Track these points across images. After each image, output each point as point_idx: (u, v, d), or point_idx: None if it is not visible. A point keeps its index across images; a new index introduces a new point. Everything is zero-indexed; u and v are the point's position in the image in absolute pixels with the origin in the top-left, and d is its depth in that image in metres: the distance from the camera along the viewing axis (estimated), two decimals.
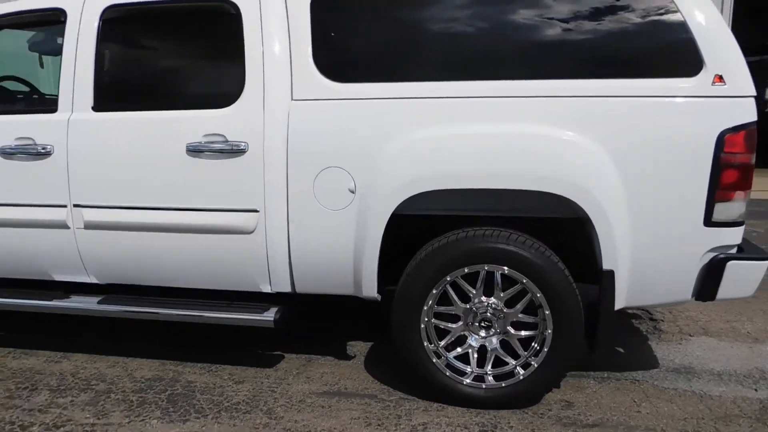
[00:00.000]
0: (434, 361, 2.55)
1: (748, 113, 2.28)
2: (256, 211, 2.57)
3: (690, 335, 3.34)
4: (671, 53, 2.32)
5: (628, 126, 2.30)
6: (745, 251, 2.45)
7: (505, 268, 2.41)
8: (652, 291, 2.44)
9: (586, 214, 2.33)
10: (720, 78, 2.26)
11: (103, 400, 2.64)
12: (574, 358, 2.48)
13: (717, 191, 2.28)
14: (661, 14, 2.32)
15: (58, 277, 2.89)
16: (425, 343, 2.54)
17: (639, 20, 2.35)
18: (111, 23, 2.72)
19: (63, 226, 2.73)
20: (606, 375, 2.85)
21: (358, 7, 2.54)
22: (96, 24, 2.71)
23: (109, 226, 2.69)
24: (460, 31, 2.47)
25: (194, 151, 2.56)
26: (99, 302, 2.83)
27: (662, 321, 3.56)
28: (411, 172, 2.41)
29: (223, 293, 2.84)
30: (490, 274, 2.46)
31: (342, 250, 2.55)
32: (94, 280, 2.87)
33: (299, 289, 2.70)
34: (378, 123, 2.45)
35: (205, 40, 2.69)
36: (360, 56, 2.55)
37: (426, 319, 2.52)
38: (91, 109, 2.69)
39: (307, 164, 2.51)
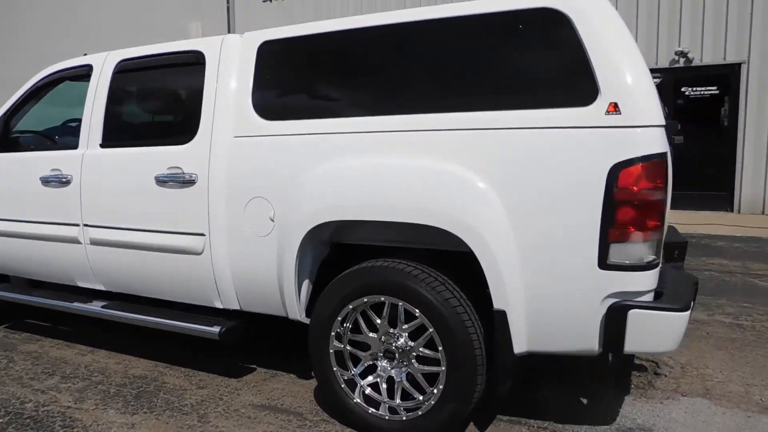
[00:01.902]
0: (342, 386, 2.61)
1: (648, 145, 2.04)
2: (203, 234, 2.90)
3: (684, 395, 2.90)
4: (566, 81, 2.17)
5: (514, 160, 2.19)
6: (665, 299, 2.15)
7: (400, 301, 2.42)
8: (553, 337, 2.25)
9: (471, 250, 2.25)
10: (615, 106, 2.06)
11: (90, 390, 3.14)
12: (471, 399, 2.36)
13: (611, 230, 2.06)
14: (557, 39, 2.18)
15: (80, 284, 3.51)
16: (334, 368, 2.62)
17: (533, 47, 2.24)
18: (120, 75, 3.30)
19: (77, 241, 3.33)
20: (543, 425, 2.64)
21: (285, 53, 2.78)
22: (110, 75, 3.31)
23: (104, 243, 3.22)
24: (362, 69, 2.57)
25: (161, 181, 2.98)
26: (102, 306, 3.38)
27: (665, 376, 3.13)
28: (316, 204, 2.55)
29: (202, 308, 3.20)
30: (396, 306, 2.48)
31: (268, 274, 2.76)
32: (102, 288, 3.43)
33: (244, 307, 2.96)
34: (293, 157, 2.64)
35: (178, 86, 3.13)
36: (284, 95, 2.78)
37: (335, 345, 2.61)
38: (98, 146, 3.27)
39: (240, 194, 2.77)
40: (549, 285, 2.18)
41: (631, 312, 2.08)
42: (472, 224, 2.21)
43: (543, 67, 2.22)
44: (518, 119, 2.18)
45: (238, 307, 2.98)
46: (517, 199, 2.18)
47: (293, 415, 2.79)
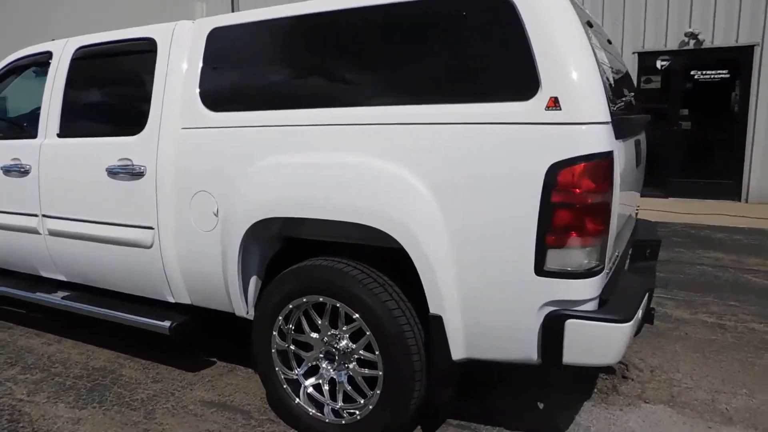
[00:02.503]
0: (284, 386, 2.55)
1: (591, 144, 1.90)
2: (152, 228, 2.83)
3: (646, 402, 2.78)
4: (506, 74, 2.03)
5: (449, 157, 2.06)
6: (607, 308, 2.02)
7: (337, 302, 2.33)
8: (491, 345, 2.14)
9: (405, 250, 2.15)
10: (554, 101, 1.92)
11: (47, 382, 3.12)
12: (408, 404, 2.27)
13: (548, 235, 1.94)
14: (501, 29, 2.04)
15: (43, 274, 3.49)
16: (276, 368, 2.55)
17: (475, 38, 2.10)
18: (78, 62, 3.22)
19: (36, 232, 3.30)
20: (493, 431, 2.55)
21: (232, 41, 2.67)
22: (68, 62, 3.24)
23: (62, 234, 3.18)
24: (302, 58, 2.46)
25: (112, 172, 2.91)
26: (62, 297, 3.35)
27: (632, 380, 3.01)
28: (255, 200, 2.46)
29: (159, 302, 3.15)
30: (336, 307, 2.39)
31: (214, 270, 2.68)
32: (63, 278, 3.40)
33: (195, 302, 2.90)
34: (235, 150, 2.55)
35: (131, 75, 3.04)
36: (229, 86, 2.67)
37: (278, 344, 2.53)
38: (56, 136, 3.21)
39: (186, 187, 2.70)
40: (485, 291, 2.07)
41: (569, 322, 1.96)
42: (403, 223, 2.10)
43: (484, 59, 2.08)
44: (454, 114, 2.05)
45: (189, 302, 2.92)
46: (451, 198, 2.06)
47: (240, 414, 2.74)
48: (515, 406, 2.77)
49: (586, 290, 1.97)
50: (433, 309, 2.15)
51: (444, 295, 2.12)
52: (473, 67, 2.10)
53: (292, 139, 2.39)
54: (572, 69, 1.92)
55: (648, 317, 2.69)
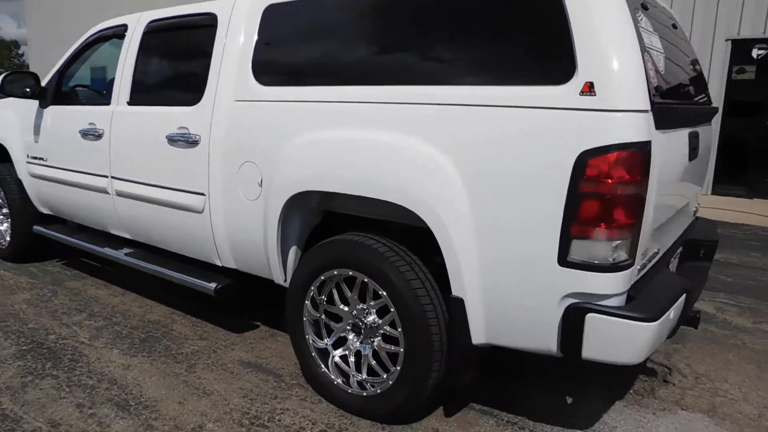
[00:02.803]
0: (313, 354, 2.64)
1: (625, 132, 1.81)
2: (203, 194, 2.99)
3: (684, 408, 2.65)
4: (543, 57, 1.97)
5: (479, 139, 2.04)
6: (633, 305, 1.94)
7: (366, 277, 2.38)
8: (511, 332, 2.12)
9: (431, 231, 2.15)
10: (590, 86, 1.84)
11: (107, 329, 3.40)
12: (426, 383, 2.30)
13: (573, 225, 1.88)
14: (541, 9, 1.97)
15: (111, 231, 3.78)
16: (306, 336, 2.65)
17: (514, 19, 2.04)
18: (148, 35, 3.43)
19: (106, 192, 3.57)
20: (514, 420, 2.53)
21: (284, 18, 2.74)
22: (140, 35, 3.45)
23: (126, 195, 3.42)
24: (345, 37, 2.49)
25: (171, 140, 3.09)
26: (125, 254, 3.62)
27: (673, 385, 2.87)
28: (293, 173, 2.54)
29: (211, 265, 3.33)
30: (365, 282, 2.44)
31: (256, 238, 2.81)
32: (128, 236, 3.67)
33: (239, 267, 3.04)
34: (279, 124, 2.63)
35: (193, 48, 3.18)
36: (279, 61, 2.75)
37: (309, 313, 2.63)
38: (126, 103, 3.44)
39: (235, 157, 2.82)
40: (506, 276, 2.05)
41: (589, 316, 1.91)
42: (429, 203, 2.11)
43: (522, 41, 2.03)
44: (487, 96, 2.02)
45: (234, 267, 3.07)
46: (479, 181, 2.04)
47: (273, 376, 2.87)
48: (543, 397, 2.73)
49: (610, 285, 1.90)
50: (456, 291, 2.16)
51: (466, 278, 2.11)
52: (511, 48, 2.05)
53: (329, 115, 2.44)
54: (610, 53, 1.84)
55: (691, 320, 2.57)
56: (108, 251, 3.71)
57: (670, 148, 2.11)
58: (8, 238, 4.57)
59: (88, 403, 2.60)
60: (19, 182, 4.31)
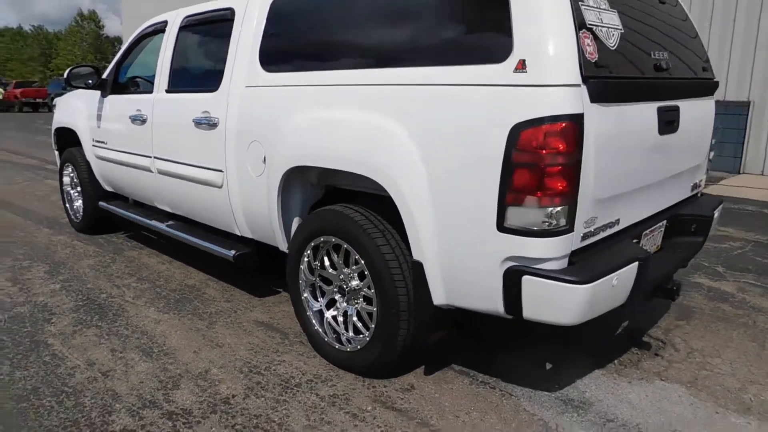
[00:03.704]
0: (307, 313, 2.93)
1: (553, 106, 1.93)
2: (221, 171, 3.35)
3: (663, 379, 2.70)
4: (486, 38, 2.12)
5: (431, 116, 2.22)
6: (569, 269, 2.05)
7: (345, 243, 2.62)
8: (464, 293, 2.29)
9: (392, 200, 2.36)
10: (522, 64, 1.97)
11: (150, 291, 3.88)
12: (395, 340, 2.51)
13: (508, 193, 2.02)
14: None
15: (157, 205, 4.25)
16: (303, 297, 2.94)
17: (463, 5, 2.19)
18: (183, 30, 3.82)
19: (149, 170, 4.03)
20: (489, 381, 2.69)
21: (286, 9, 3.01)
22: (177, 30, 3.86)
23: (165, 172, 3.86)
24: (329, 25, 2.72)
25: (196, 123, 3.47)
26: (166, 225, 4.07)
27: (661, 357, 2.91)
28: (287, 150, 2.82)
29: (234, 234, 3.70)
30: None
31: (263, 209, 3.12)
32: (169, 210, 4.12)
33: (254, 236, 3.38)
34: (278, 106, 2.92)
35: (216, 39, 3.53)
36: (280, 49, 3.02)
37: (304, 276, 2.91)
38: (165, 91, 3.87)
39: (245, 137, 3.14)
40: (457, 241, 2.22)
41: (525, 278, 2.05)
42: (387, 172, 2.32)
43: (469, 25, 2.18)
44: (437, 75, 2.19)
45: (251, 237, 3.42)
46: (431, 153, 2.21)
47: (280, 334, 3.20)
48: (524, 362, 2.87)
49: (546, 249, 2.03)
50: (416, 255, 2.36)
51: (423, 243, 2.31)
52: (462, 33, 2.21)
53: (313, 97, 2.70)
54: (541, 32, 1.95)
55: (667, 292, 2.61)
56: (154, 223, 4.20)
57: (619, 121, 2.17)
58: (81, 213, 5.22)
59: (120, 348, 3.04)
60: (88, 163, 4.91)
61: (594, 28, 2.09)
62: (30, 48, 65.50)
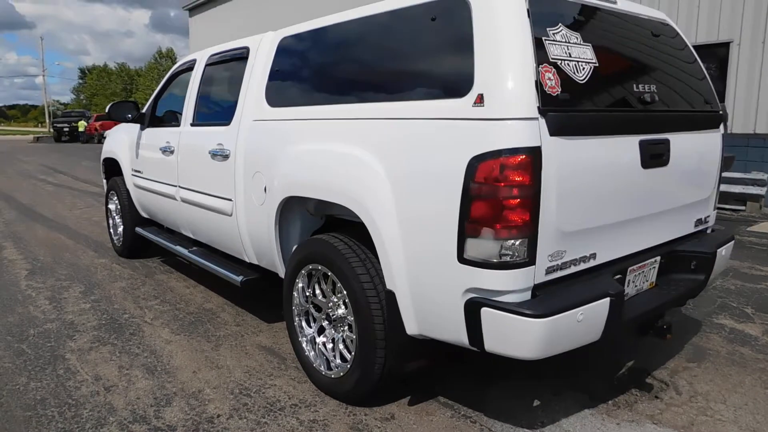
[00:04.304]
0: (299, 339, 3.00)
1: (508, 139, 1.96)
2: (230, 200, 3.52)
3: (655, 423, 2.58)
4: (451, 73, 2.18)
5: (401, 148, 2.29)
6: (530, 303, 2.03)
7: (329, 271, 2.70)
8: (433, 324, 2.31)
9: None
10: (480, 98, 2.02)
11: (168, 313, 4.08)
12: (373, 369, 2.54)
13: (467, 224, 2.05)
14: (454, 29, 2.19)
15: (183, 232, 4.49)
16: (296, 321, 3.02)
17: (434, 40, 2.27)
18: (208, 67, 4.09)
19: (174, 198, 4.28)
20: (471, 414, 2.66)
21: (290, 48, 3.19)
22: (203, 67, 4.14)
23: (186, 200, 4.09)
24: (322, 63, 2.85)
25: (212, 154, 3.68)
26: (188, 251, 4.29)
27: (659, 400, 2.78)
28: (281, 181, 2.95)
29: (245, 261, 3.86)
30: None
31: (265, 238, 3.26)
32: (192, 236, 4.34)
33: (259, 263, 3.52)
34: (277, 138, 3.07)
35: (233, 76, 3.75)
36: (282, 85, 3.19)
37: (296, 303, 3.00)
38: (189, 125, 4.13)
39: (250, 168, 3.31)
40: (423, 271, 2.25)
41: (484, 310, 2.05)
42: (362, 202, 2.39)
43: (438, 59, 2.25)
44: (404, 109, 2.27)
45: (257, 263, 3.55)
46: (401, 183, 2.27)
47: (278, 359, 3.28)
48: (513, 398, 2.81)
49: (505, 282, 2.03)
50: (389, 284, 2.40)
51: (395, 272, 2.35)
52: (432, 68, 2.28)
53: (302, 130, 2.83)
54: (499, 69, 2.00)
55: (658, 331, 2.53)
56: (178, 248, 4.43)
57: (587, 154, 2.16)
58: (122, 238, 5.57)
59: (128, 365, 3.22)
60: (128, 191, 5.26)
61: (559, 62, 2.11)
62: (113, 84, 70.69)
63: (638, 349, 3.30)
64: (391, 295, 2.39)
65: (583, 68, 2.21)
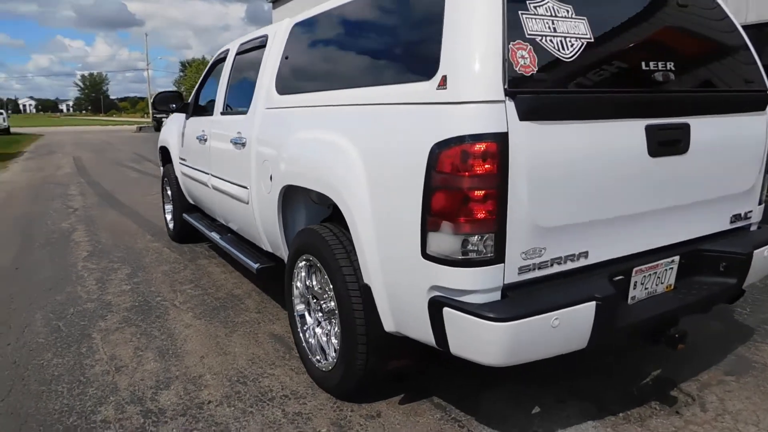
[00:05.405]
0: (297, 330, 2.97)
1: (469, 124, 1.78)
2: (247, 188, 3.54)
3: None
4: (420, 55, 2.02)
5: (373, 135, 2.17)
6: (495, 304, 1.85)
7: (318, 261, 2.63)
8: (405, 321, 2.17)
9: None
10: (443, 81, 1.85)
11: (198, 297, 4.19)
12: (355, 364, 2.44)
13: (428, 218, 1.90)
14: (428, 13, 2.02)
15: (217, 218, 4.60)
16: (295, 310, 2.98)
17: (409, 21, 2.12)
18: (237, 56, 4.14)
19: (207, 185, 4.39)
20: (458, 417, 2.50)
21: (300, 34, 3.13)
22: (233, 57, 4.19)
23: (216, 188, 4.17)
24: (321, 48, 2.76)
25: (233, 142, 3.72)
26: (219, 237, 4.38)
27: (679, 416, 2.48)
28: (281, 168, 2.91)
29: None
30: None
31: (274, 226, 3.24)
32: (224, 222, 4.43)
33: (273, 251, 3.52)
34: (281, 126, 3.03)
35: (254, 66, 3.74)
36: (289, 72, 3.13)
37: (296, 293, 2.96)
38: (220, 114, 4.20)
39: (260, 157, 3.30)
40: (394, 266, 2.12)
41: (446, 310, 1.89)
42: (337, 189, 2.29)
43: (410, 40, 2.10)
44: (375, 95, 2.14)
45: (271, 251, 3.56)
46: (373, 173, 2.15)
47: (284, 347, 3.27)
48: (512, 402, 2.62)
49: (467, 280, 1.86)
50: (365, 278, 2.29)
51: (369, 266, 2.24)
52: (404, 50, 2.13)
53: (297, 118, 2.76)
54: (462, 48, 1.82)
55: (668, 339, 2.26)
56: (213, 235, 4.54)
57: (570, 141, 1.93)
58: (173, 224, 5.82)
59: (143, 347, 3.34)
60: (176, 178, 5.47)
61: (538, 38, 1.89)
62: None
63: (670, 357, 2.97)
64: (367, 290, 2.28)
65: (572, 44, 1.97)
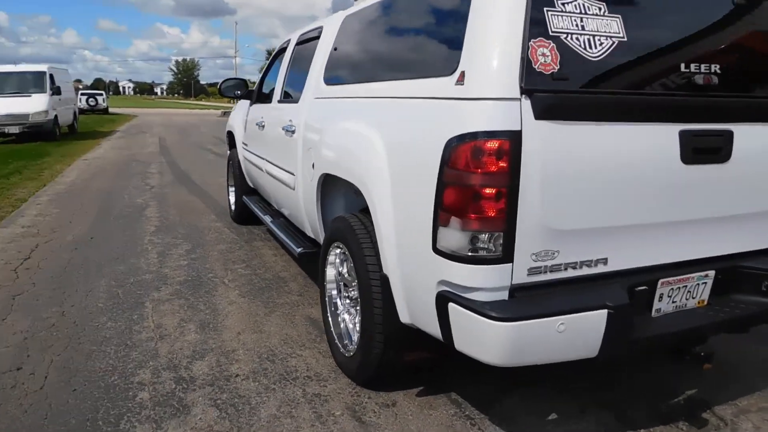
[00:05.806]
0: (327, 314, 3.05)
1: (484, 121, 1.77)
2: (294, 174, 3.66)
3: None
4: (446, 50, 2.02)
5: (398, 128, 2.20)
6: (501, 303, 1.83)
7: (346, 249, 2.69)
8: (418, 314, 2.19)
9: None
10: (462, 76, 1.85)
11: (246, 276, 4.38)
12: (370, 353, 2.49)
13: (440, 213, 1.91)
14: (456, 7, 2.02)
15: (270, 201, 4.78)
16: (325, 298, 3.07)
17: (438, 16, 2.11)
18: (297, 47, 4.27)
19: (262, 170, 4.57)
20: (472, 415, 2.50)
21: (349, 27, 3.20)
22: (293, 47, 4.33)
23: (268, 173, 4.34)
24: (361, 41, 2.80)
25: (284, 130, 3.86)
26: (270, 221, 4.56)
27: (698, 429, 2.35)
28: (321, 158, 2.99)
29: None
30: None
31: (313, 214, 3.35)
32: (275, 206, 4.60)
33: (315, 238, 3.63)
34: (323, 116, 3.11)
35: (310, 56, 3.85)
36: (336, 63, 3.21)
37: (329, 278, 3.05)
38: (277, 102, 4.36)
39: (305, 145, 3.41)
40: (409, 259, 2.14)
41: (450, 306, 1.90)
42: (362, 177, 2.34)
43: (436, 35, 2.10)
44: (402, 88, 2.16)
45: (313, 237, 3.67)
46: (395, 164, 2.19)
47: (318, 331, 3.37)
48: (529, 406, 2.58)
49: (474, 278, 1.86)
50: (384, 268, 2.33)
51: (388, 257, 2.27)
52: (430, 45, 2.14)
53: (337, 109, 2.83)
54: (483, 42, 1.81)
55: (694, 356, 2.16)
56: (266, 218, 4.73)
57: (591, 143, 1.87)
58: (234, 205, 6.09)
59: (187, 318, 3.55)
60: (239, 162, 5.72)
61: (563, 36, 1.84)
62: None
63: (707, 378, 2.81)
64: (386, 280, 2.32)
65: (601, 43, 1.90)
